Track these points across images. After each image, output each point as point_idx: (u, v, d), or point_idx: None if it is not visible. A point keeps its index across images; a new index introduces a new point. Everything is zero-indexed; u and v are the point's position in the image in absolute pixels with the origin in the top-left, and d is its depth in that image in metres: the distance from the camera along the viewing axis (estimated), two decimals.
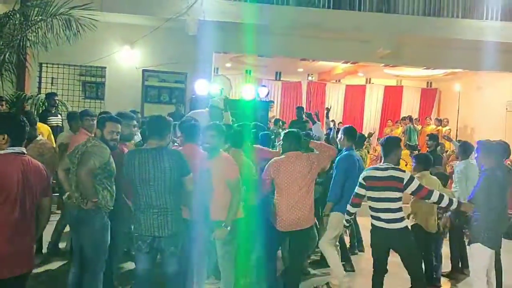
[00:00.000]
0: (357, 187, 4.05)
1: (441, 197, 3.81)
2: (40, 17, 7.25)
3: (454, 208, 3.94)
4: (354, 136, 4.90)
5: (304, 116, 7.97)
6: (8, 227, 2.68)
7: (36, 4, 7.31)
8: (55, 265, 5.16)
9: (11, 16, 7.23)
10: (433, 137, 7.61)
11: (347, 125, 5.18)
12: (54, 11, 7.25)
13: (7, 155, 2.74)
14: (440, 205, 4.01)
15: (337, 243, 4.85)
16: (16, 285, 2.76)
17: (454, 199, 4.00)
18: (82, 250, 3.54)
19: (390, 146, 4.00)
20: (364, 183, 3.97)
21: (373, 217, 3.99)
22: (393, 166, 3.91)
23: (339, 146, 4.90)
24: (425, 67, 11.08)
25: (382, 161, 4.02)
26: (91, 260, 3.50)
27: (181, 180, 3.34)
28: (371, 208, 3.99)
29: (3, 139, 2.75)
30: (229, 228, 3.66)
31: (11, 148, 2.77)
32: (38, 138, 5.20)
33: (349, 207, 4.16)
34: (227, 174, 3.71)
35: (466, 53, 9.58)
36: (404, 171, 3.92)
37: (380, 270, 4.02)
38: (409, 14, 9.41)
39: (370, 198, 3.98)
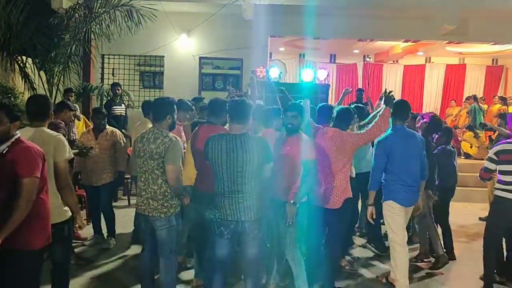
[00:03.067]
0: (487, 162, 4.31)
1: None
2: (103, 9, 7.47)
3: None
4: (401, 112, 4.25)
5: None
6: None
7: None
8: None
9: (76, 10, 7.48)
10: (503, 116, 7.15)
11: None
12: (116, 2, 7.45)
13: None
14: None
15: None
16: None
17: None
18: (153, 234, 3.61)
19: None
20: (495, 157, 4.22)
21: (502, 190, 4.19)
22: None
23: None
24: (493, 43, 10.39)
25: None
26: (165, 243, 3.57)
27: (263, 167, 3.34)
28: (502, 182, 4.19)
29: (14, 127, 2.86)
30: (297, 206, 3.66)
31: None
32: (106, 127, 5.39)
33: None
34: (305, 154, 3.69)
35: None
36: None
37: (494, 246, 4.34)
38: None
39: (502, 172, 4.20)
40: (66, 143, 3.36)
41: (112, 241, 5.40)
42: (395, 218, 4.19)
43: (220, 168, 3.31)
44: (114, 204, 7.29)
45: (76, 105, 7.42)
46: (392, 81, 14.37)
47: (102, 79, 9.82)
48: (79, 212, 3.44)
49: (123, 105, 8.23)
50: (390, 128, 4.18)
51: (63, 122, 5.09)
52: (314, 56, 14.07)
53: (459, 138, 10.64)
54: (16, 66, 7.60)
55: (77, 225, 3.41)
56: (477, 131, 10.61)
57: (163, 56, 9.80)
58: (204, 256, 3.90)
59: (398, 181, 4.15)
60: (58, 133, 3.39)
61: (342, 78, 14.41)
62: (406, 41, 10.57)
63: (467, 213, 7.61)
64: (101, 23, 7.55)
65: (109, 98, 8.21)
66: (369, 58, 11.86)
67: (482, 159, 10.25)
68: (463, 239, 6.32)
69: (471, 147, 10.33)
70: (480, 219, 7.16)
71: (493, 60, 13.97)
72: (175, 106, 3.70)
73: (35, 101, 3.52)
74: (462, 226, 6.90)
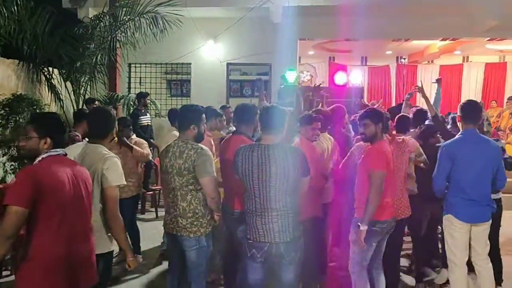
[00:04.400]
0: None
1: None
2: (128, 17, 7.33)
3: None
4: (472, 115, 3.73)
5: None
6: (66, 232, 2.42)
7: (124, 4, 7.38)
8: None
9: (101, 19, 7.36)
10: None
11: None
12: (141, 9, 7.30)
13: (55, 157, 2.47)
14: None
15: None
16: None
17: None
18: (182, 255, 3.30)
19: None
20: None
21: None
22: None
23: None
24: None
25: None
26: (194, 266, 3.26)
27: (300, 181, 3.00)
28: None
29: (45, 143, 2.47)
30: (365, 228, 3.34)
31: (54, 150, 2.48)
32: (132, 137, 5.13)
33: None
34: (371, 164, 3.44)
35: None
36: None
37: None
38: None
39: None
40: (120, 166, 2.97)
41: (138, 259, 5.11)
42: (454, 236, 3.69)
43: (251, 182, 2.97)
44: (141, 216, 7.15)
45: None
46: (428, 83, 13.69)
47: (129, 88, 9.69)
48: (129, 248, 3.03)
49: (148, 114, 8.03)
50: (460, 132, 3.72)
51: (79, 135, 4.82)
52: (344, 59, 13.62)
53: (503, 141, 9.97)
54: (43, 77, 7.54)
55: (127, 263, 2.99)
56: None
57: (190, 64, 9.60)
58: (235, 280, 3.56)
59: (459, 193, 3.64)
60: (111, 154, 3.01)
61: (374, 80, 13.85)
62: (444, 39, 10.01)
63: None
64: (126, 31, 7.43)
65: (135, 107, 8.03)
66: (404, 59, 11.32)
67: None
68: None
69: None
70: None
71: None
72: (202, 115, 3.37)
73: (94, 115, 3.29)
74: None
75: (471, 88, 13.54)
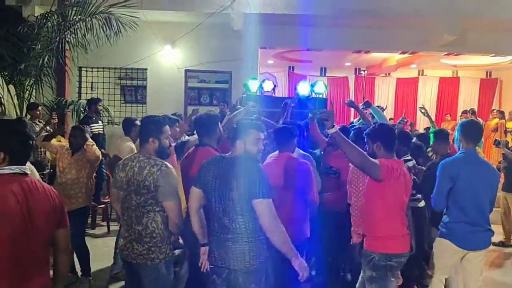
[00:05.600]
0: None
1: None
2: (79, 17, 6.85)
3: None
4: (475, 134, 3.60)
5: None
6: (10, 269, 1.97)
7: (74, 4, 6.88)
8: None
9: (48, 18, 6.82)
10: None
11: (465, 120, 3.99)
12: (93, 10, 6.84)
13: (2, 176, 2.04)
14: None
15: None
16: None
17: None
18: (139, 285, 2.91)
19: None
20: None
21: None
22: None
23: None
24: (493, 54, 10.00)
25: None
26: None
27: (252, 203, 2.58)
28: None
29: None
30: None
31: (8, 168, 2.06)
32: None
33: None
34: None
35: None
36: None
37: None
38: None
39: None
40: None
41: (87, 282, 4.63)
42: (445, 261, 3.55)
43: (212, 199, 2.67)
44: (92, 232, 6.62)
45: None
46: (385, 95, 13.95)
47: (80, 93, 9.10)
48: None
49: (100, 122, 7.51)
50: (460, 152, 3.55)
51: None
52: (304, 69, 13.57)
53: None
54: None
55: None
56: (477, 147, 10.16)
57: (146, 69, 9.15)
58: None
59: (460, 215, 3.44)
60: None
61: (333, 91, 13.91)
62: (403, 53, 10.10)
63: None
64: (77, 32, 6.90)
65: (85, 114, 7.48)
66: (364, 71, 11.37)
67: None
68: None
69: None
70: (494, 244, 6.60)
71: (487, 72, 13.65)
72: (163, 128, 2.98)
73: None
74: None
75: (426, 101, 13.83)
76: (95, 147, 4.76)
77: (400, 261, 3.11)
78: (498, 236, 6.64)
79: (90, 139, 4.80)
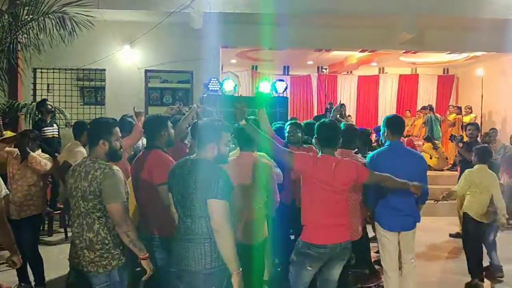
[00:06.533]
0: None
1: None
2: (31, 17, 6.54)
3: None
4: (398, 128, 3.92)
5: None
6: None
7: (26, 3, 6.57)
8: None
9: None
10: (474, 125, 6.84)
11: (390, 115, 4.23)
12: (46, 9, 6.54)
13: None
14: None
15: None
16: None
17: None
18: None
19: None
20: None
21: None
22: None
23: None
24: (449, 52, 10.31)
25: None
26: None
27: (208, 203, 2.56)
28: None
29: None
30: None
31: None
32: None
33: None
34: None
35: (492, 34, 8.88)
36: None
37: None
38: None
39: None
40: None
41: None
42: (382, 242, 3.88)
43: (176, 202, 2.68)
44: (48, 239, 6.38)
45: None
46: (347, 92, 14.18)
47: (35, 95, 8.76)
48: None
49: (55, 125, 7.25)
50: (386, 144, 3.84)
51: None
52: (267, 68, 13.59)
53: (419, 150, 10.43)
54: None
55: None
56: (436, 141, 10.47)
57: (105, 70, 8.91)
58: None
59: (386, 204, 3.75)
60: None
61: (296, 90, 14.02)
62: (363, 51, 10.27)
63: (435, 229, 7.20)
64: (29, 32, 6.60)
65: (38, 118, 7.20)
66: (325, 69, 11.49)
67: (442, 170, 10.17)
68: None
69: (430, 158, 10.12)
70: (451, 235, 6.81)
71: (444, 69, 14.07)
72: (113, 129, 2.87)
73: None
74: (434, 245, 6.51)
75: (387, 98, 14.19)
76: (38, 159, 4.42)
77: (320, 252, 3.08)
78: (455, 228, 6.88)
79: (31, 153, 4.42)
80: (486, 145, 5.63)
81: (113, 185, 2.69)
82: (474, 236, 4.75)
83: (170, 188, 2.76)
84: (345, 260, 3.23)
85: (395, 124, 3.84)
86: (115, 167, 2.79)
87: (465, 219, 4.83)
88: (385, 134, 3.85)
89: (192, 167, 2.61)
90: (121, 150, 2.94)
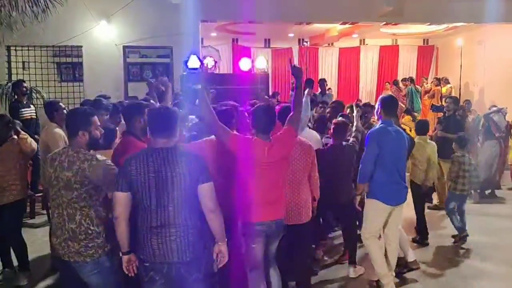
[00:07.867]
0: None
1: None
2: None
3: None
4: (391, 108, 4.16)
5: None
6: None
7: None
8: None
9: None
10: (452, 99, 6.96)
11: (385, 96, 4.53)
12: None
13: None
14: None
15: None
16: None
17: None
18: (82, 283, 2.84)
19: None
20: None
21: None
22: None
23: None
24: (429, 23, 10.33)
25: None
26: None
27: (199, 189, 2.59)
28: None
29: None
30: None
31: None
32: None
33: None
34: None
35: (471, 4, 8.95)
36: None
37: None
38: None
39: None
40: None
41: (25, 276, 4.46)
42: (376, 218, 4.01)
43: (147, 195, 2.57)
44: (31, 221, 6.35)
45: None
46: (329, 65, 14.16)
47: (9, 74, 8.53)
48: None
49: (32, 106, 7.10)
50: (380, 122, 4.05)
51: None
52: (248, 41, 13.43)
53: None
54: None
55: None
56: (415, 114, 10.60)
57: (81, 46, 8.69)
58: None
59: (386, 175, 3.91)
60: None
61: (278, 63, 13.93)
62: (344, 23, 10.22)
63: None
64: (1, 10, 6.39)
65: (14, 99, 7.04)
66: (306, 42, 11.43)
67: None
68: None
69: (410, 130, 10.25)
70: (429, 208, 6.99)
71: (424, 40, 14.13)
72: (91, 118, 2.87)
73: None
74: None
75: (368, 69, 14.24)
76: (29, 140, 4.46)
77: (258, 229, 3.15)
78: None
79: (22, 132, 4.46)
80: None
81: (106, 175, 2.74)
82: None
83: (125, 187, 2.59)
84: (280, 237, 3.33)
85: (389, 105, 4.09)
86: (100, 156, 2.79)
87: (411, 186, 5.25)
88: (379, 112, 4.10)
89: (169, 157, 2.57)
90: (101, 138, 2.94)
